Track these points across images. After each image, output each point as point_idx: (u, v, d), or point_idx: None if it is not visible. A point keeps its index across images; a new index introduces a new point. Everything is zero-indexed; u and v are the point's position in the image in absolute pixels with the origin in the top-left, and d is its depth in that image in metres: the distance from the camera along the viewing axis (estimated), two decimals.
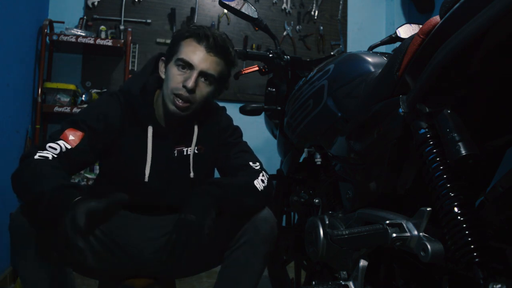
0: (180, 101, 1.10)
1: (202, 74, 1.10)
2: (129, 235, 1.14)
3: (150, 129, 1.16)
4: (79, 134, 1.06)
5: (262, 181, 1.14)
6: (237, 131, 1.30)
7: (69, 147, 1.03)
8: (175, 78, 1.10)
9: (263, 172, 1.18)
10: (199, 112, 1.18)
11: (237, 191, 1.08)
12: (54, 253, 0.84)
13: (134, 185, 1.14)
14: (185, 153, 1.20)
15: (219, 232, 1.02)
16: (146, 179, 1.14)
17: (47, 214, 0.85)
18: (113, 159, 1.15)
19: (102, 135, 1.10)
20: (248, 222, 1.08)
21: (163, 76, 1.17)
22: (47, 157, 0.98)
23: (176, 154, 1.19)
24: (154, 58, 1.24)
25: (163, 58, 1.19)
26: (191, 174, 1.19)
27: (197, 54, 1.09)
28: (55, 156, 1.00)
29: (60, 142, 1.03)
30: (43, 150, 1.00)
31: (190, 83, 1.08)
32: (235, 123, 1.33)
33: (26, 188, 0.92)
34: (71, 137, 1.04)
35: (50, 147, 1.01)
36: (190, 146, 1.21)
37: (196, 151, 1.21)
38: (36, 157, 0.97)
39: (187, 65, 1.10)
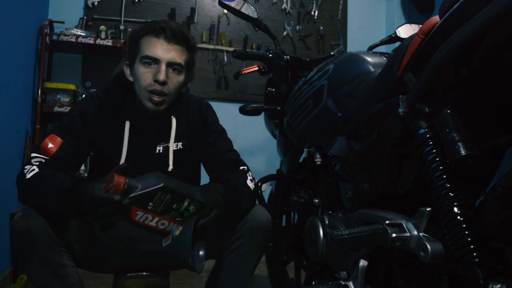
0: (156, 96, 1.12)
1: (169, 64, 1.12)
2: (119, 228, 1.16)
3: (127, 124, 1.17)
4: (58, 141, 1.08)
5: (251, 180, 1.18)
6: (222, 135, 1.32)
7: (47, 157, 1.06)
8: (145, 76, 1.11)
9: (249, 172, 1.21)
10: (175, 104, 1.20)
11: (236, 193, 1.10)
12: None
13: None
14: (170, 149, 1.22)
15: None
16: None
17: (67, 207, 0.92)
18: (95, 155, 1.20)
19: (81, 136, 1.13)
20: (246, 225, 1.10)
21: (131, 78, 1.18)
22: (34, 169, 1.01)
23: (161, 151, 1.21)
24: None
25: (126, 62, 1.20)
26: (170, 168, 1.20)
27: (158, 47, 1.11)
28: (43, 161, 1.04)
29: (40, 154, 1.06)
30: (31, 164, 1.03)
31: (161, 76, 1.10)
32: (235, 123, 1.35)
33: (41, 197, 0.97)
34: (50, 145, 1.07)
35: (35, 156, 1.05)
36: (175, 141, 1.23)
37: (181, 147, 1.23)
38: (28, 175, 1.00)
39: (153, 61, 1.11)
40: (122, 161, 1.16)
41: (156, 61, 1.11)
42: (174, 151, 1.21)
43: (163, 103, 1.14)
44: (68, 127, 1.12)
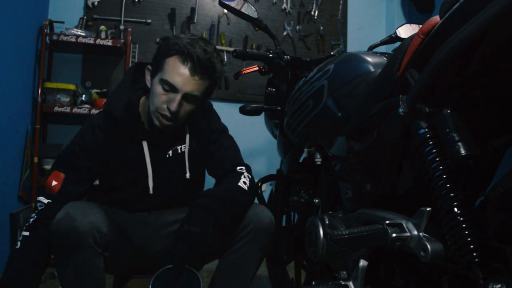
0: (164, 120, 1.11)
1: (186, 96, 1.10)
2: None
3: (145, 144, 1.17)
4: (61, 177, 1.10)
5: (244, 183, 1.17)
6: (224, 132, 1.32)
7: (52, 195, 1.08)
8: (160, 97, 1.10)
9: (244, 173, 1.21)
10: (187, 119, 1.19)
11: (231, 202, 1.10)
12: None
13: (141, 197, 1.19)
14: (179, 151, 1.23)
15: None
16: (151, 191, 1.18)
17: None
18: (112, 178, 1.19)
19: (83, 170, 1.14)
20: (250, 225, 1.10)
21: (149, 84, 1.16)
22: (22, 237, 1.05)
23: (171, 155, 1.21)
24: (132, 69, 1.24)
25: (149, 67, 1.17)
26: (187, 175, 1.22)
27: (180, 76, 1.07)
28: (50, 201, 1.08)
29: (45, 196, 1.09)
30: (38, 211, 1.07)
31: (173, 107, 1.08)
32: (235, 123, 1.36)
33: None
34: (54, 182, 1.09)
35: (38, 201, 1.09)
36: (184, 143, 1.23)
37: (189, 147, 1.24)
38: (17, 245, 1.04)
39: (171, 88, 1.09)
40: (150, 180, 1.17)
41: (173, 88, 1.08)
42: (183, 152, 1.23)
43: (169, 127, 1.13)
44: (70, 163, 1.12)
